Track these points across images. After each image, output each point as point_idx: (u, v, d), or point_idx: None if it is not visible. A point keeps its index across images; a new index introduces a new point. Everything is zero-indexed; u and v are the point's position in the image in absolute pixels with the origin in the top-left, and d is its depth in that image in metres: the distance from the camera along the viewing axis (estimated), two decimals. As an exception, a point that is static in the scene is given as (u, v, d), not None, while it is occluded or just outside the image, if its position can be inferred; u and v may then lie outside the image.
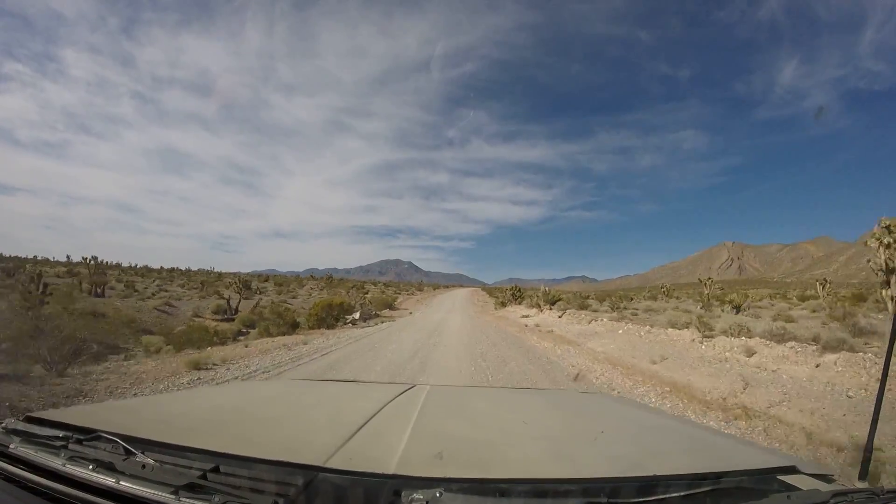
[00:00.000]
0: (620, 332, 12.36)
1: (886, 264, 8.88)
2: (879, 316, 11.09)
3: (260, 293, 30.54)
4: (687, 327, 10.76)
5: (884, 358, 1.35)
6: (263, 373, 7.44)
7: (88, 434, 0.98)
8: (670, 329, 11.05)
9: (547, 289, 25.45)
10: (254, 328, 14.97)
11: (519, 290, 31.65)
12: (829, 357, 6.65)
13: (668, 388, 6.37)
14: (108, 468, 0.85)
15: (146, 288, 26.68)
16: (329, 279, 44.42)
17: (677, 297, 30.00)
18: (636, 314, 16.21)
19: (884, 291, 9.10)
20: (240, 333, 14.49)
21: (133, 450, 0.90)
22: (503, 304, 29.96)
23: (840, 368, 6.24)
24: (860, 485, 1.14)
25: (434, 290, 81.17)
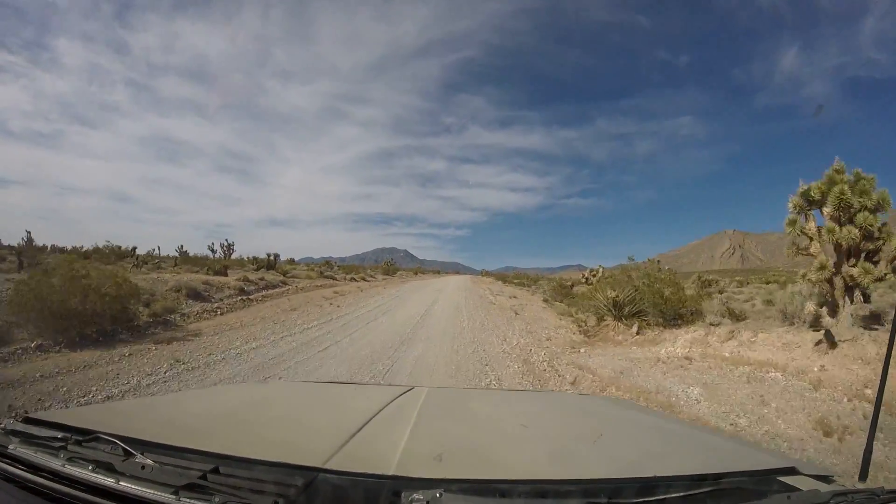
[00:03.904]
0: None
1: None
2: None
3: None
4: None
5: (884, 355, 1.35)
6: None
7: (87, 435, 0.98)
8: None
9: None
10: None
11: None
12: None
13: None
14: (108, 469, 0.85)
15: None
16: (234, 253, 21.80)
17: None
18: None
19: None
20: None
21: (132, 451, 0.90)
22: (628, 321, 8.57)
23: None
24: (860, 485, 1.14)
25: (415, 274, 52.67)
